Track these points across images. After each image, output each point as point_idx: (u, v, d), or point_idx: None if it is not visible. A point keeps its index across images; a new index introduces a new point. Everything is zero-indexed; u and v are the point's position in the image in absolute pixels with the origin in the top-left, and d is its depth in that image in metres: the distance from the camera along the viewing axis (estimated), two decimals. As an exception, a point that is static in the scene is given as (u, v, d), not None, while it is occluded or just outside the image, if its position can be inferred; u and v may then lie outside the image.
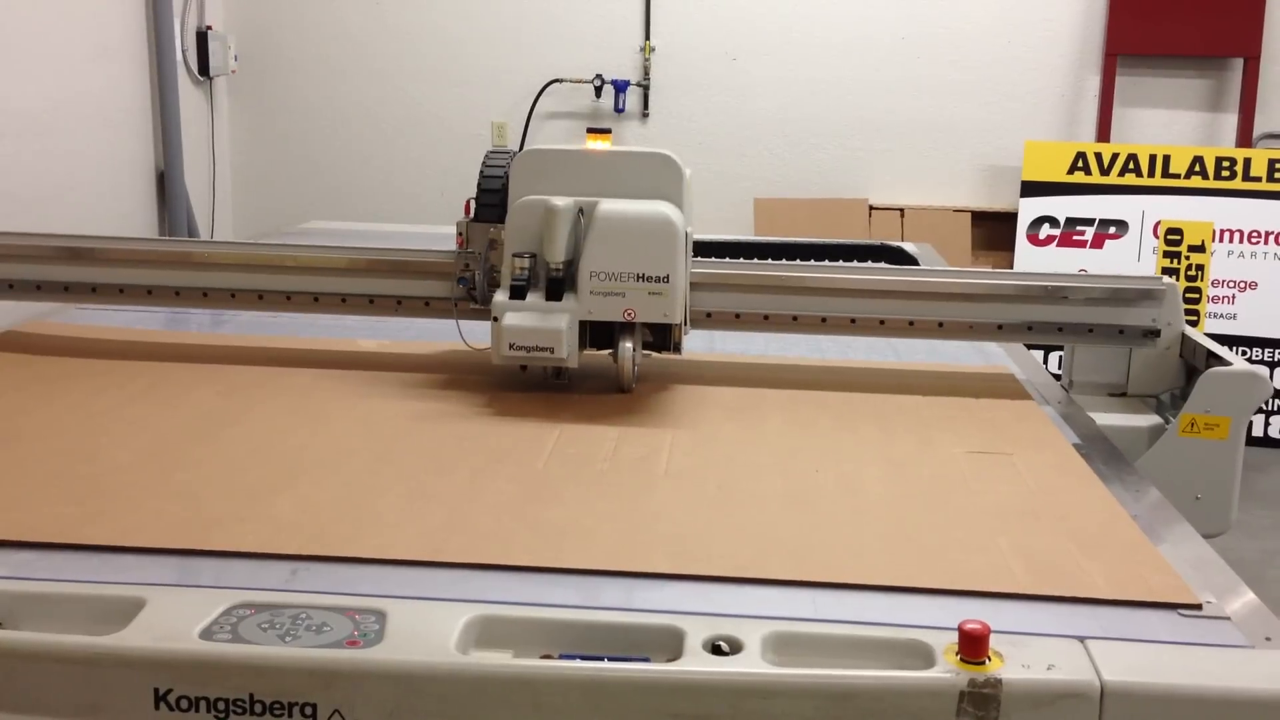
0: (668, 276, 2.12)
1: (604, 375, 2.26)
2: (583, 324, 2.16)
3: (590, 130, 2.32)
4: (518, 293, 2.13)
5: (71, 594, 1.38)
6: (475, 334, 2.33)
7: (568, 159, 2.25)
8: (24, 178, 4.70)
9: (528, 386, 2.26)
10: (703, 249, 2.45)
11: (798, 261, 3.00)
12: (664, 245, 2.13)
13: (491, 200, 2.29)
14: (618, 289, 2.12)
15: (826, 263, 2.74)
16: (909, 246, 3.98)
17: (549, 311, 2.12)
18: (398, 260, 2.43)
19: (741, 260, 2.61)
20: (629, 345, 2.19)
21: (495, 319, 2.12)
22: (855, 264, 2.57)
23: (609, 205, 2.15)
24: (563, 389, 2.25)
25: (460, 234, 2.33)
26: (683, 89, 6.29)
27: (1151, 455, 2.21)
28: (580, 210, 2.15)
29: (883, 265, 3.43)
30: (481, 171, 2.33)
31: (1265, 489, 5.16)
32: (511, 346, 2.10)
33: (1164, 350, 2.36)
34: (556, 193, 2.17)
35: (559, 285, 2.14)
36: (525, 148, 2.28)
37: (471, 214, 2.32)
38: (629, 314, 2.14)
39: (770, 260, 2.95)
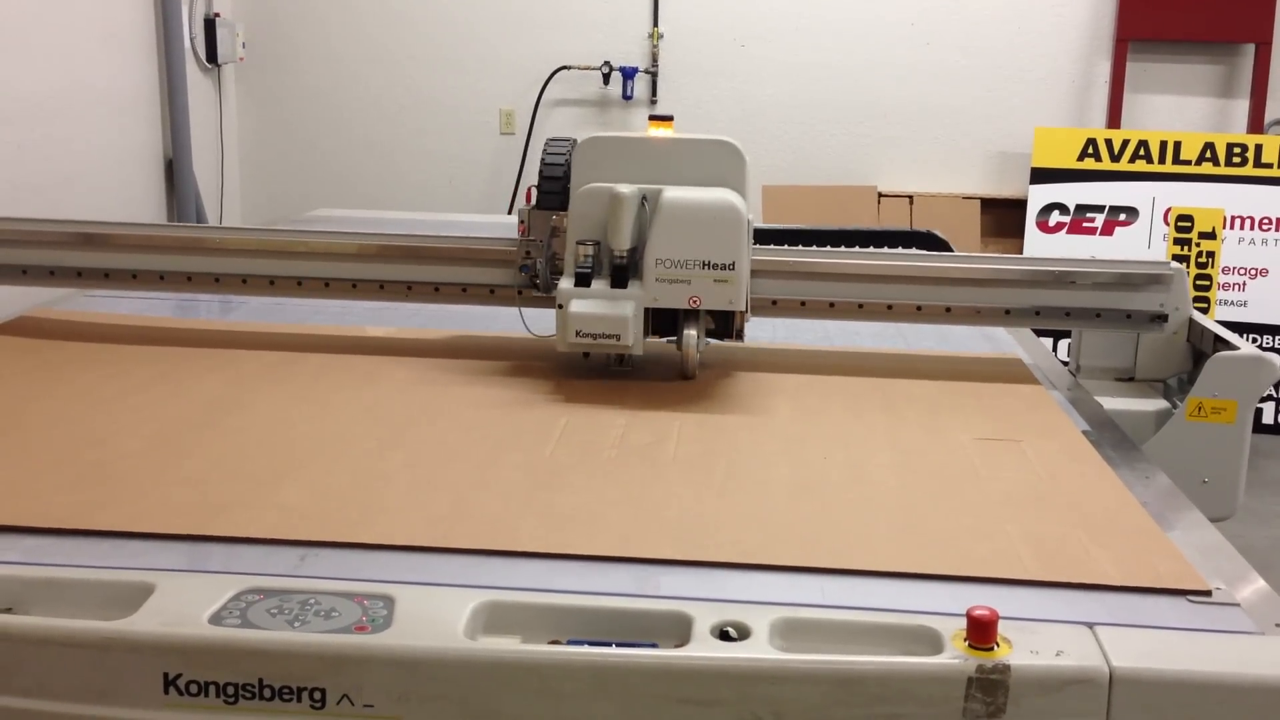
0: (734, 264, 2.12)
1: (664, 362, 2.27)
2: (648, 311, 2.17)
3: (653, 118, 2.32)
4: (583, 280, 2.14)
5: (81, 579, 1.39)
6: (538, 322, 2.31)
7: (630, 146, 2.25)
8: (32, 165, 4.71)
9: (592, 373, 2.27)
10: None
11: (800, 246, 2.99)
12: (729, 232, 2.13)
13: (554, 188, 2.29)
14: (683, 276, 2.13)
15: (837, 249, 2.73)
16: (938, 232, 3.99)
17: (615, 299, 2.13)
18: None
19: (754, 246, 2.60)
20: (693, 333, 2.20)
21: (560, 306, 2.13)
22: (861, 249, 2.56)
23: (674, 192, 2.15)
24: (624, 375, 2.26)
25: (522, 221, 2.33)
26: (691, 76, 6.27)
27: (1159, 439, 2.21)
28: (644, 197, 2.15)
29: (907, 251, 3.42)
30: (543, 159, 2.33)
31: (1275, 476, 5.14)
32: (578, 334, 2.11)
33: (1171, 335, 2.36)
34: (618, 180, 2.18)
35: (624, 272, 2.15)
36: (587, 136, 2.28)
37: (533, 201, 2.32)
38: (694, 301, 2.14)
39: (774, 245, 2.94)
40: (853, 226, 4.16)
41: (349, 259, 2.47)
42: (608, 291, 2.14)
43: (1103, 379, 2.44)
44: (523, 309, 2.36)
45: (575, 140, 2.31)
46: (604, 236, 2.16)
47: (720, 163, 2.23)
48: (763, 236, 3.64)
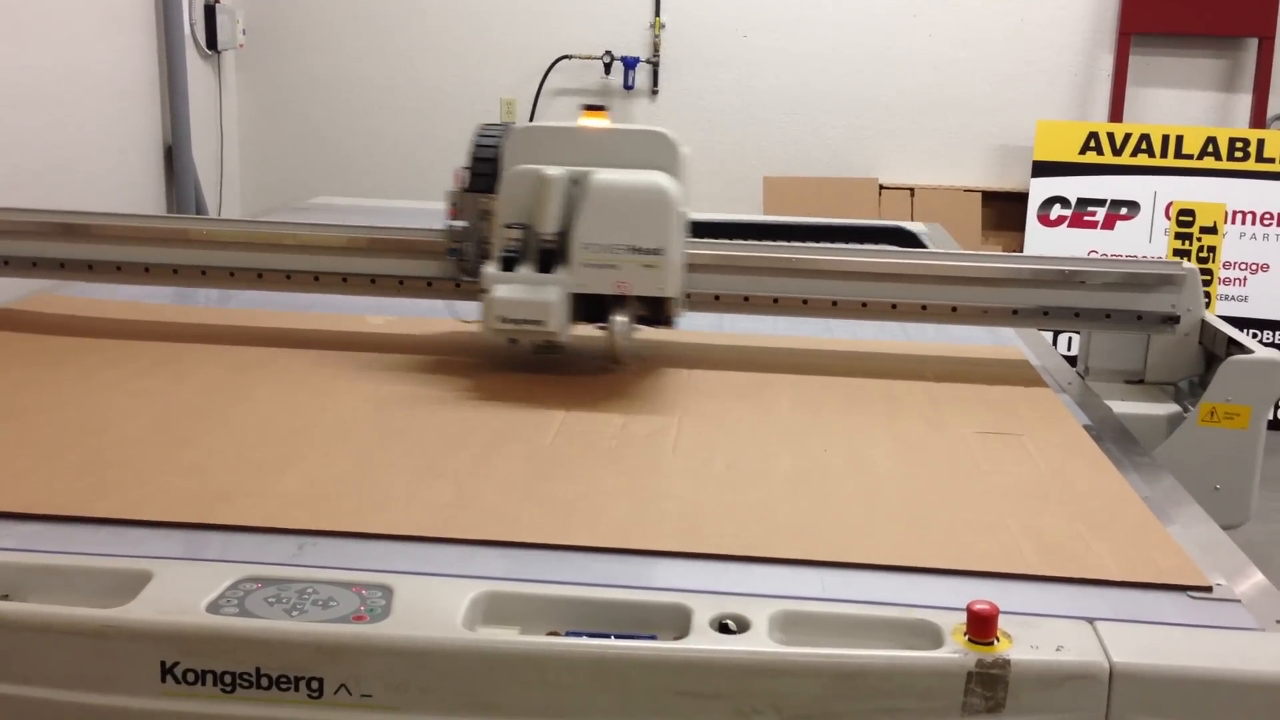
0: (662, 248, 2.09)
1: (600, 351, 2.25)
2: (576, 297, 2.13)
3: (586, 107, 2.28)
4: (508, 264, 2.11)
5: (78, 567, 1.38)
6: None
7: (563, 135, 2.21)
8: (31, 151, 4.69)
9: (518, 362, 2.24)
10: (705, 229, 2.41)
11: (809, 243, 2.97)
12: (658, 216, 2.09)
13: (485, 169, 2.25)
14: (611, 261, 2.09)
15: (839, 245, 2.72)
16: (916, 227, 3.94)
17: (539, 283, 2.09)
18: (397, 240, 2.41)
19: (751, 242, 2.58)
20: (622, 319, 2.16)
21: (485, 291, 2.10)
22: (868, 247, 2.54)
23: (603, 175, 2.11)
24: (557, 365, 2.23)
25: (453, 204, 2.29)
26: (692, 66, 6.25)
27: (1170, 444, 2.17)
28: (574, 181, 2.12)
29: (888, 248, 3.39)
30: (474, 141, 2.29)
31: (1276, 472, 5.14)
32: (501, 319, 2.08)
33: (1183, 337, 2.32)
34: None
35: (551, 257, 2.11)
36: (521, 125, 2.24)
37: (463, 184, 2.29)
38: (622, 286, 2.10)
39: (781, 242, 2.93)
40: (820, 220, 4.08)
41: (326, 252, 2.43)
42: (533, 276, 2.10)
43: (1112, 381, 2.40)
44: (453, 298, 2.32)
45: (509, 125, 2.27)
46: (532, 220, 2.12)
47: (653, 153, 2.19)
48: (747, 231, 3.59)
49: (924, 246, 3.55)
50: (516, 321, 2.08)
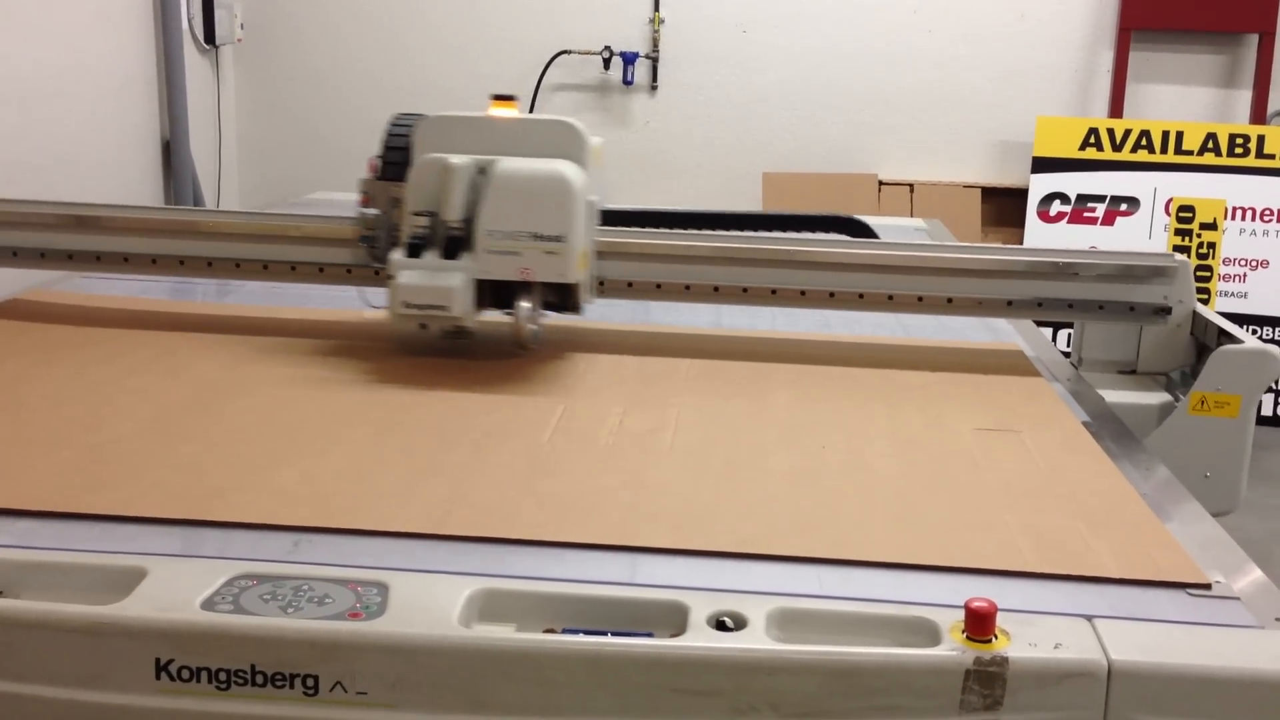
0: (564, 235, 2.11)
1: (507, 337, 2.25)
2: (485, 284, 2.16)
3: (495, 97, 2.30)
4: (414, 251, 2.14)
5: (73, 563, 1.38)
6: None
7: (471, 125, 2.24)
8: (28, 145, 4.68)
9: (429, 348, 2.25)
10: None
11: (805, 235, 2.96)
12: (559, 203, 2.12)
13: (396, 158, 2.28)
14: (514, 248, 2.12)
15: (834, 237, 2.72)
16: (871, 220, 3.88)
17: (444, 269, 2.12)
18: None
19: (662, 230, 2.60)
20: (527, 305, 2.18)
21: (391, 277, 2.12)
22: (867, 240, 2.54)
23: (506, 163, 2.15)
24: (466, 350, 2.25)
25: (364, 193, 2.33)
26: (692, 61, 6.24)
27: (1161, 433, 2.20)
28: (480, 170, 2.15)
29: (838, 237, 3.36)
30: (387, 130, 2.32)
31: (1274, 468, 5.14)
32: (406, 304, 2.10)
33: (1175, 328, 2.34)
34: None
35: (457, 244, 2.14)
36: (431, 115, 2.28)
37: (376, 172, 2.32)
38: (525, 273, 2.13)
39: (777, 233, 2.93)
40: (752, 210, 4.06)
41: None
42: (438, 263, 2.12)
43: (1105, 371, 2.43)
44: (368, 286, 2.35)
45: (422, 115, 2.30)
46: (439, 208, 2.15)
47: (561, 143, 2.22)
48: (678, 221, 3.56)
49: (874, 236, 3.52)
50: (421, 307, 2.11)
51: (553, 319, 2.30)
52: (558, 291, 2.22)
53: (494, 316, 2.24)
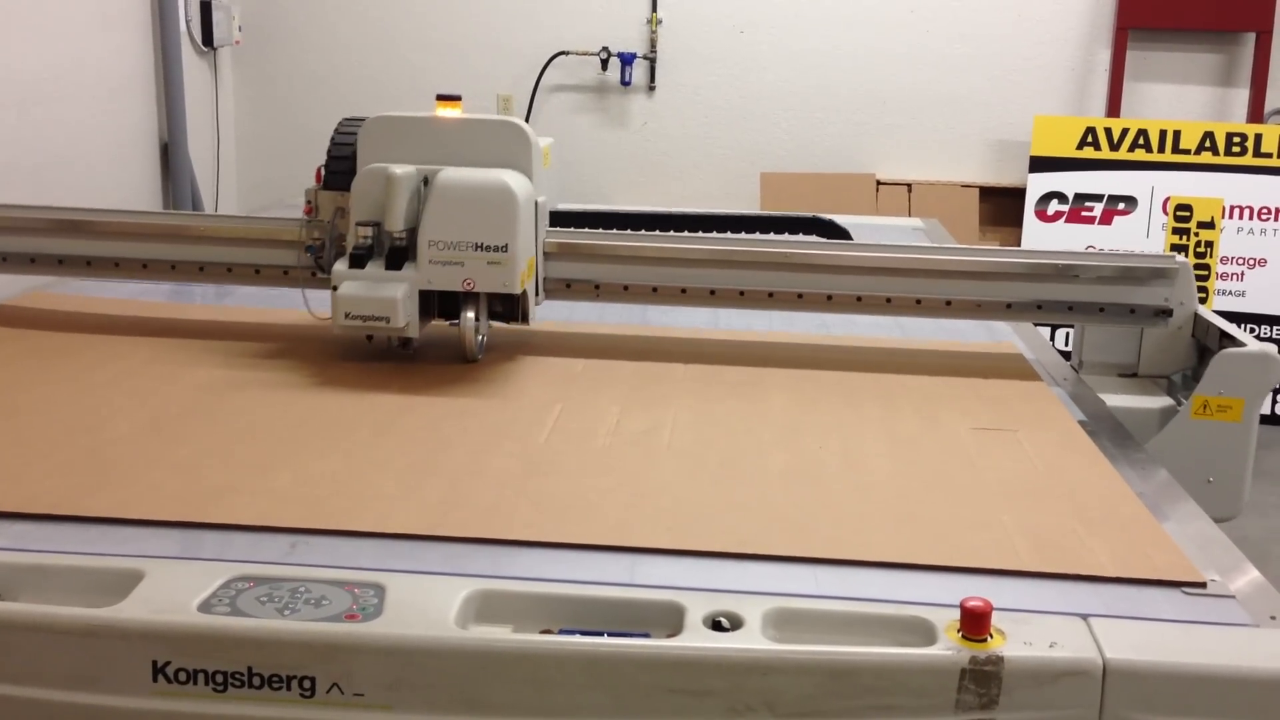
0: (506, 246, 2.10)
1: (452, 345, 2.25)
2: (429, 294, 2.15)
3: (440, 97, 2.28)
4: (358, 261, 2.12)
5: (70, 566, 1.38)
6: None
7: (416, 126, 2.22)
8: (26, 148, 4.68)
9: (373, 356, 2.25)
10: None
11: (812, 238, 2.94)
12: (502, 214, 2.10)
13: (341, 168, 2.27)
14: (457, 258, 2.10)
15: (838, 240, 2.70)
16: (871, 219, 3.84)
17: (386, 280, 2.10)
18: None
19: (615, 231, 2.57)
20: (471, 315, 2.18)
21: (334, 288, 2.11)
22: (865, 242, 2.53)
23: (448, 174, 2.13)
24: (411, 359, 2.24)
25: (309, 202, 2.32)
26: (690, 62, 6.24)
27: (1163, 437, 2.17)
28: (425, 179, 2.13)
29: (813, 239, 3.32)
30: (332, 139, 2.30)
31: (1272, 467, 5.14)
32: (347, 315, 2.09)
33: (1176, 330, 2.32)
34: (405, 160, 2.16)
35: (400, 255, 2.12)
36: (375, 116, 2.26)
37: (321, 182, 2.30)
38: (468, 284, 2.12)
39: (774, 235, 2.91)
40: (737, 211, 4.00)
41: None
42: (380, 274, 2.11)
43: (1105, 374, 2.40)
44: (311, 291, 2.34)
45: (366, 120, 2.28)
46: (383, 218, 2.14)
47: (507, 145, 2.21)
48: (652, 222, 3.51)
49: (848, 237, 3.50)
50: (363, 318, 2.09)
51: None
52: (503, 301, 2.22)
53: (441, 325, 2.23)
